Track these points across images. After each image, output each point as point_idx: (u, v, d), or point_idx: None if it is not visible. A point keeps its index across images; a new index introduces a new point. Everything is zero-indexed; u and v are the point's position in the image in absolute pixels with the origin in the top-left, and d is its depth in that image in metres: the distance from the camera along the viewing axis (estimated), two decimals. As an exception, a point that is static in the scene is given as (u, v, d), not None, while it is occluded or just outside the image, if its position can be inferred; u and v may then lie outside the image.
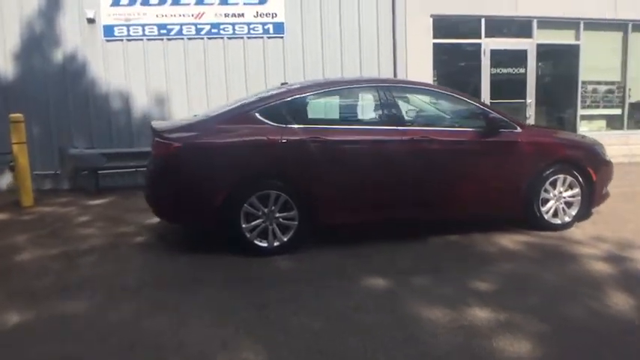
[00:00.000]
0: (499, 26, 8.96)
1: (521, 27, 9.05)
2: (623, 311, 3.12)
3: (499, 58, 8.96)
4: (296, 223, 4.19)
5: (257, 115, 4.20)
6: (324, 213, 4.25)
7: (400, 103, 4.49)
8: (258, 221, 4.13)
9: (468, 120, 4.79)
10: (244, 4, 7.90)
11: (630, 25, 9.35)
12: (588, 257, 4.17)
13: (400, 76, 8.40)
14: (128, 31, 7.64)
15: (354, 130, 4.45)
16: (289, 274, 3.85)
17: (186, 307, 3.22)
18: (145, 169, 4.97)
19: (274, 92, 4.52)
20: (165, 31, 7.76)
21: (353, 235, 4.65)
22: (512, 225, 4.96)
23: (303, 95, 4.39)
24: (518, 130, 4.76)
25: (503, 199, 4.74)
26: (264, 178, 4.13)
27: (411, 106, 4.84)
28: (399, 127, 4.40)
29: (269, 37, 8.10)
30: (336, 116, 4.84)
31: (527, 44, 9.07)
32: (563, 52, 9.33)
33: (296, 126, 4.23)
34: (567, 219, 4.93)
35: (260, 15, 7.99)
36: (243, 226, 4.10)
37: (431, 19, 8.56)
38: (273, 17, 8.04)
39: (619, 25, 9.37)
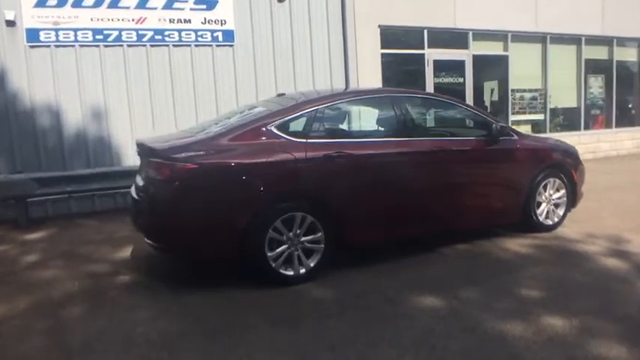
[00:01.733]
0: (440, 38, 9.30)
1: (459, 39, 9.48)
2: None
3: (441, 67, 9.29)
4: (322, 246, 3.81)
5: (274, 129, 3.76)
6: (351, 233, 3.93)
7: (416, 113, 4.35)
8: (282, 247, 3.69)
9: (473, 129, 4.79)
10: (191, 9, 7.28)
11: (548, 38, 10.27)
12: (595, 254, 4.35)
13: (352, 85, 8.33)
14: (57, 35, 6.61)
15: (377, 142, 4.17)
16: (330, 304, 3.45)
17: (258, 356, 2.74)
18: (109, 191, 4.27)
19: (287, 104, 4.08)
20: (101, 37, 6.85)
21: (363, 253, 4.38)
22: (504, 229, 5.03)
23: (322, 106, 4.00)
24: (515, 137, 4.87)
25: (509, 205, 4.80)
26: (289, 200, 3.69)
27: (425, 116, 4.73)
28: (418, 139, 4.25)
29: (218, 46, 7.55)
30: (357, 128, 4.54)
31: (464, 55, 9.53)
32: (495, 62, 9.96)
33: (318, 140, 3.88)
34: (556, 219, 5.14)
35: (208, 22, 7.42)
36: (269, 254, 3.64)
37: (379, 30, 8.62)
38: (222, 24, 7.50)
39: (539, 38, 10.25)
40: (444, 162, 4.32)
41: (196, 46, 7.40)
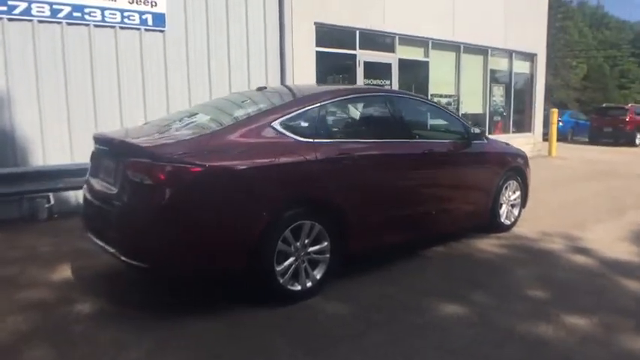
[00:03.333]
0: (370, 40, 9.35)
1: (387, 42, 9.63)
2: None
3: (371, 69, 9.35)
4: (327, 256, 3.48)
5: (279, 127, 3.32)
6: (355, 241, 3.63)
7: (411, 115, 4.19)
8: (290, 260, 3.28)
9: (454, 132, 4.76)
10: (117, -15, 6.33)
11: (462, 47, 10.92)
12: (562, 252, 4.62)
13: (288, 81, 8.00)
14: (-57, 2, 5.28)
15: (380, 144, 3.90)
16: (351, 320, 3.13)
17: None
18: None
19: (287, 99, 3.64)
20: (5, 9, 5.62)
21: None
22: (466, 230, 5.10)
23: (326, 103, 3.63)
24: (486, 141, 4.99)
25: (481, 207, 4.89)
26: (298, 206, 3.27)
27: (418, 118, 4.59)
28: (417, 141, 4.13)
29: (147, 30, 6.68)
30: (360, 128, 4.19)
31: (391, 58, 9.71)
32: (418, 67, 10.31)
33: (325, 140, 3.52)
34: (513, 219, 5.38)
35: (137, 2, 6.52)
36: (277, 269, 3.20)
37: (314, 27, 8.38)
38: (152, 6, 6.66)
39: (455, 47, 10.85)
40: (438, 165, 4.26)
41: (122, 28, 6.46)
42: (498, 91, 12.12)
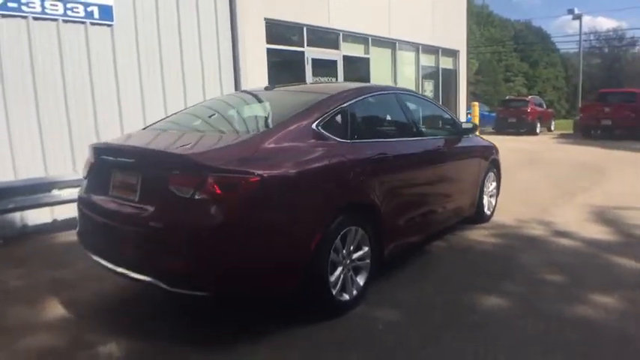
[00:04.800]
0: (317, 37, 9.28)
1: (332, 39, 9.62)
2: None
3: (318, 66, 9.29)
4: (368, 262, 3.38)
5: (320, 128, 3.13)
6: (389, 243, 3.56)
7: (420, 113, 4.19)
8: (339, 270, 3.12)
9: (447, 128, 4.85)
10: (58, -27, 5.57)
11: (397, 44, 11.26)
12: (548, 237, 4.94)
13: (242, 77, 7.64)
14: None
15: (402, 143, 3.84)
16: (410, 325, 3.06)
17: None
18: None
19: (316, 98, 3.41)
20: None
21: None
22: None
23: (353, 102, 3.47)
24: (472, 135, 5.17)
25: (473, 199, 5.07)
26: (346, 212, 3.11)
27: (423, 115, 4.58)
28: (427, 138, 4.16)
29: (93, 24, 5.98)
30: (383, 127, 4.05)
31: (336, 55, 9.72)
32: (360, 63, 10.44)
33: (360, 141, 3.39)
34: (491, 209, 5.68)
35: (81, -8, 5.81)
36: (331, 280, 3.04)
37: (264, 23, 8.11)
38: (98, -3, 5.97)
39: (391, 43, 11.15)
40: (444, 160, 4.33)
41: (65, 21, 5.71)
42: (429, 86, 12.71)
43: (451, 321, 3.11)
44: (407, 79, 11.84)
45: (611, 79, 38.04)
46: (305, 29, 8.92)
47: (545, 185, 7.90)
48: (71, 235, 5.28)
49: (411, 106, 4.25)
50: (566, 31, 71.42)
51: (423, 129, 4.33)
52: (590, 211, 6.00)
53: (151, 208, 2.72)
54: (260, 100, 3.63)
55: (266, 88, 3.98)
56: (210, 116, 3.55)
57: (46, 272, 4.15)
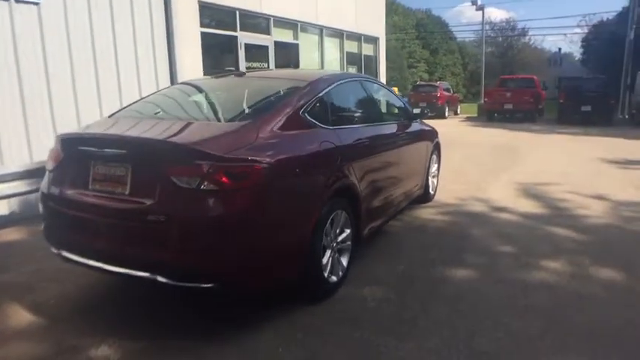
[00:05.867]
0: (249, 22, 9.10)
1: (263, 24, 9.50)
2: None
3: (250, 51, 9.15)
4: (349, 243, 3.51)
5: (307, 115, 3.18)
6: (364, 225, 3.72)
7: (380, 98, 4.34)
8: (328, 253, 3.23)
9: (400, 113, 5.06)
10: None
11: (324, 30, 11.39)
12: (492, 213, 5.42)
13: (177, 58, 7.31)
14: None
15: (370, 127, 3.97)
16: (398, 300, 3.29)
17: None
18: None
19: (296, 84, 3.42)
20: None
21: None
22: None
23: (329, 89, 3.52)
24: (418, 120, 5.47)
25: (422, 180, 5.38)
26: (334, 196, 3.20)
27: (384, 100, 4.70)
28: (388, 123, 4.35)
29: (18, 1, 5.38)
30: (355, 113, 4.08)
31: (268, 40, 9.63)
32: (290, 49, 10.42)
33: (339, 127, 3.48)
34: (434, 190, 6.07)
35: (-1, -35, 5.19)
36: (324, 262, 3.13)
37: (198, 5, 7.81)
38: (19, -29, 5.37)
39: (318, 29, 11.25)
40: (401, 144, 4.55)
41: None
42: (352, 71, 13.02)
43: (432, 294, 3.36)
44: (332, 66, 12.07)
45: (505, 66, 41.49)
46: (237, 13, 8.73)
47: (470, 166, 8.57)
48: (8, 234, 4.88)
49: (373, 92, 4.41)
50: (460, 21, 76.38)
51: (384, 114, 4.52)
52: (517, 188, 6.65)
53: (147, 201, 2.60)
54: (237, 87, 3.56)
55: (236, 74, 3.92)
56: (186, 103, 3.42)
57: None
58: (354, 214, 3.53)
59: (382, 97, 4.72)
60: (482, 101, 21.07)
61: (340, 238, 3.39)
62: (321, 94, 3.42)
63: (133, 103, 3.70)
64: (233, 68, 8.78)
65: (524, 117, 18.18)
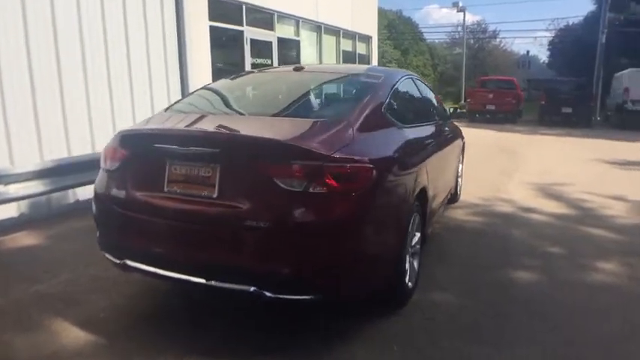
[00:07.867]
0: (255, 16, 8.89)
1: (268, 20, 9.29)
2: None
3: (256, 46, 8.93)
4: (419, 247, 3.42)
5: (387, 114, 3.06)
6: (428, 228, 3.65)
7: (429, 97, 4.30)
8: (407, 257, 3.12)
9: (440, 112, 5.01)
10: None
11: (323, 28, 11.26)
12: (516, 213, 5.49)
13: (188, 51, 7.03)
14: None
15: (429, 126, 3.96)
16: (472, 306, 3.24)
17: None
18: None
19: (373, 81, 3.30)
20: None
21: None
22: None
23: (397, 86, 3.43)
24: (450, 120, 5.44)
25: (455, 180, 5.38)
26: (415, 199, 3.11)
27: (431, 100, 4.68)
28: (438, 122, 4.36)
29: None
30: (418, 112, 3.97)
31: (271, 36, 9.43)
32: (292, 45, 10.25)
33: (410, 125, 3.41)
34: (459, 190, 6.06)
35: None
36: (406, 267, 3.03)
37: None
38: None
39: (317, 27, 11.11)
40: (446, 145, 4.50)
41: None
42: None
43: (502, 297, 3.31)
44: (330, 63, 11.95)
45: (477, 67, 42.35)
46: (244, 7, 8.49)
47: (479, 166, 8.61)
48: (22, 239, 4.51)
49: (422, 90, 4.34)
50: (427, 22, 77.62)
51: (433, 113, 4.46)
52: (533, 188, 6.74)
53: (243, 205, 2.42)
54: (302, 82, 3.40)
55: (295, 69, 3.72)
56: (257, 98, 3.23)
57: (23, 287, 3.41)
58: (422, 215, 3.44)
59: (429, 95, 4.65)
60: (463, 101, 21.39)
61: (414, 242, 3.30)
62: (392, 92, 3.31)
63: (189, 95, 3.46)
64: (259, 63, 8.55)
65: (504, 118, 18.58)
